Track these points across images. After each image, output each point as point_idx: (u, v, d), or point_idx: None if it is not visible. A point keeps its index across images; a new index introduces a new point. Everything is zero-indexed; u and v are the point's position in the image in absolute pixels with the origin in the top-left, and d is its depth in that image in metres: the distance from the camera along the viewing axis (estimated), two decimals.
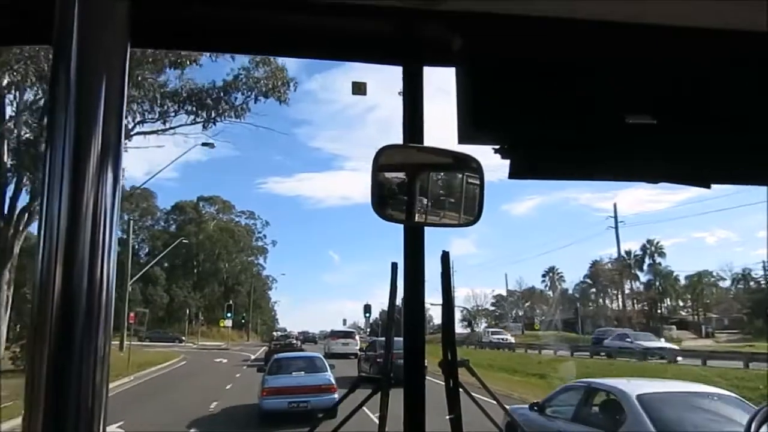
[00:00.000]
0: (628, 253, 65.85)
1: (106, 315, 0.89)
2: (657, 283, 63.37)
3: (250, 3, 1.45)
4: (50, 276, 0.86)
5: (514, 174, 1.50)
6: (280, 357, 16.96)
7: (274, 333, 50.61)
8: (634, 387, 7.65)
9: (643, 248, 65.43)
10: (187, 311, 61.19)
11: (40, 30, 1.17)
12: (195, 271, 72.06)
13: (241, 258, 74.84)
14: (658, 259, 65.80)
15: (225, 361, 34.84)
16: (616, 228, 48.79)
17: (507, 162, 1.50)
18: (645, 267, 65.52)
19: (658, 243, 65.47)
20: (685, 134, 1.51)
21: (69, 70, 0.91)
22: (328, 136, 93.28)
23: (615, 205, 49.19)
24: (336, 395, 13.08)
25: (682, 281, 64.21)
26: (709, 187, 1.57)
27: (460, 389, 1.62)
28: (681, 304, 64.39)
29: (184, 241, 61.22)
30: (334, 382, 14.05)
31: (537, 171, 1.57)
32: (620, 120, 1.46)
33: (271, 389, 14.01)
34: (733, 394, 7.82)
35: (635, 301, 60.91)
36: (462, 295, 68.74)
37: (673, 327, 55.04)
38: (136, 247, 64.53)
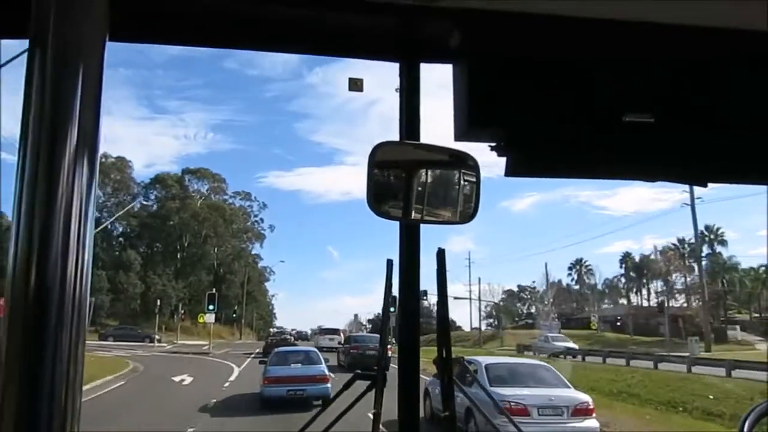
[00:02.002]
0: (681, 241, 66.23)
1: (80, 310, 0.98)
2: (717, 276, 63.12)
3: None
4: (24, 270, 0.95)
5: (510, 172, 1.76)
6: (280, 350, 21.40)
7: (271, 330, 61.88)
8: (485, 359, 15.91)
9: (701, 236, 65.33)
10: (159, 302, 57.87)
11: (16, 23, 1.29)
12: (178, 256, 71.01)
13: (233, 243, 74.03)
14: (718, 248, 66.13)
15: (189, 380, 24.50)
16: (693, 206, 46.93)
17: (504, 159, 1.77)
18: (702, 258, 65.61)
19: (718, 230, 65.62)
20: (682, 133, 1.76)
21: (45, 63, 1.01)
22: (330, 130, 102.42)
23: None
24: (329, 385, 17.03)
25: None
26: (705, 185, 1.83)
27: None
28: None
29: (143, 202, 60.07)
30: (327, 373, 17.98)
31: (534, 169, 1.82)
32: (618, 118, 1.70)
33: (272, 378, 17.72)
34: (543, 363, 17.08)
35: (691, 296, 60.64)
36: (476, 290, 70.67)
37: (737, 327, 54.69)
38: (109, 227, 63.54)
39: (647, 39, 1.71)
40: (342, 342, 35.34)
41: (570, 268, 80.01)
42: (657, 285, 72.46)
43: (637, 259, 75.26)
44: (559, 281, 77.18)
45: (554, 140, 1.78)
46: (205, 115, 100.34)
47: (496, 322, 71.70)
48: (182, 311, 60.38)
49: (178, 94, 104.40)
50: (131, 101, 77.33)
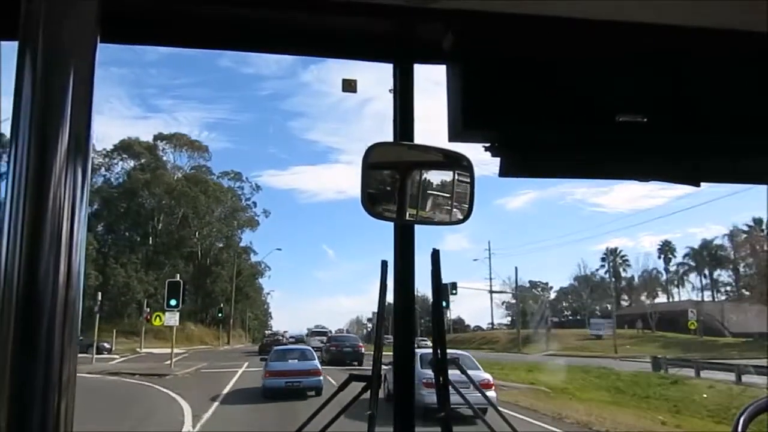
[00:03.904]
0: (758, 221, 67.19)
1: (72, 314, 1.09)
2: None
3: None
4: (14, 274, 1.05)
5: (504, 172, 2.10)
6: (279, 348, 30.09)
7: (266, 331, 72.77)
8: (420, 351, 18.56)
9: None
10: (100, 296, 50.73)
11: (5, 24, 1.42)
12: (149, 241, 68.73)
13: (218, 227, 72.40)
14: None
15: None
16: None
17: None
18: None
19: None
20: (675, 133, 2.10)
21: (35, 65, 1.12)
22: (324, 128, 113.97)
23: None
24: (321, 377, 24.14)
25: None
26: (698, 185, 2.18)
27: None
28: None
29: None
30: (320, 367, 25.37)
31: (527, 169, 2.16)
32: (611, 119, 2.03)
33: (272, 372, 24.68)
34: (466, 352, 27.45)
35: None
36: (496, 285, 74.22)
37: None
38: None
39: (639, 39, 2.04)
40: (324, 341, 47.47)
41: (603, 259, 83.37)
42: (703, 276, 74.53)
43: (696, 246, 77.91)
44: (592, 273, 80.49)
45: (548, 141, 2.12)
46: (200, 114, 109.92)
47: (513, 320, 73.05)
48: (147, 309, 52.45)
49: (172, 92, 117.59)
50: (123, 100, 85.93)
